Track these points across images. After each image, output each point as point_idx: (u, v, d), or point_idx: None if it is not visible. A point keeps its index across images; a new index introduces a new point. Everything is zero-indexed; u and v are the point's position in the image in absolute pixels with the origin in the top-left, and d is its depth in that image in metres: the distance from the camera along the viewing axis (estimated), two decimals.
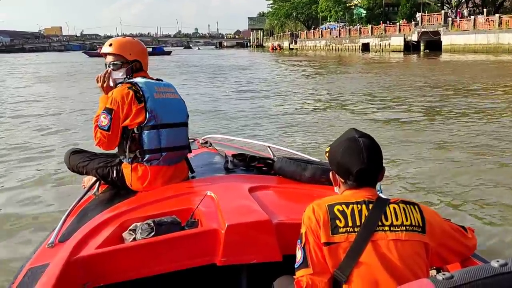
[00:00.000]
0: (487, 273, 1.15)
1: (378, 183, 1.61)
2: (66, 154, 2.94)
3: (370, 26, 53.34)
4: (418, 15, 46.77)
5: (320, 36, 65.38)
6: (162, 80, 2.76)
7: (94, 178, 2.80)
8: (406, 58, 37.46)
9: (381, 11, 58.82)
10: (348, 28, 58.84)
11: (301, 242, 1.50)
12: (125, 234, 2.00)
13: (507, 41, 35.28)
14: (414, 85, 16.16)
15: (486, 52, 36.00)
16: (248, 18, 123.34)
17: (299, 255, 1.50)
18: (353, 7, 63.60)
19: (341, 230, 1.45)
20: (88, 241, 1.93)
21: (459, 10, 43.07)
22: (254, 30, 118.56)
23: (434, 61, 31.98)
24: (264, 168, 2.90)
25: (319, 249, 1.47)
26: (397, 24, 49.08)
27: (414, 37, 45.54)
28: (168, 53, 69.97)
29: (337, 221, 1.46)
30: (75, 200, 2.57)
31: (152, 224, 1.96)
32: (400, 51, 46.26)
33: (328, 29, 63.79)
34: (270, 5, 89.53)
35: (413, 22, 46.67)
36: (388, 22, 53.04)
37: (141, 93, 2.53)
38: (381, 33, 50.90)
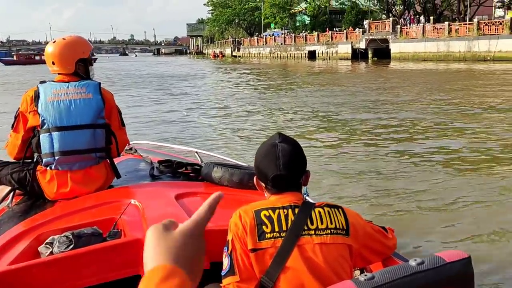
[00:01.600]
0: (405, 272, 1.25)
1: (304, 187, 1.63)
2: None
3: (316, 33, 52.19)
4: (366, 22, 46.06)
5: (265, 43, 63.69)
6: (81, 80, 2.64)
7: (7, 189, 2.64)
8: (354, 66, 36.41)
9: (326, 18, 57.98)
10: (293, 35, 57.50)
11: (227, 249, 1.49)
12: (41, 248, 1.89)
13: (457, 49, 34.94)
14: (360, 97, 14.83)
15: (436, 60, 35.55)
16: (187, 24, 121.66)
17: (225, 262, 1.49)
18: (297, 14, 62.39)
19: (267, 235, 1.46)
20: (0, 256, 1.82)
21: (412, 16, 42.59)
22: (193, 37, 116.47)
23: (383, 70, 31.02)
24: (191, 174, 2.83)
25: (246, 256, 1.46)
26: (344, 31, 48.08)
27: (362, 45, 44.72)
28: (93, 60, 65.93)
29: (264, 227, 1.46)
30: None
31: (70, 236, 1.87)
32: (348, 59, 45.35)
33: (273, 36, 62.22)
34: (211, 11, 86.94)
35: (360, 30, 45.85)
36: (333, 29, 52.13)
37: (38, 97, 2.52)
38: (328, 41, 49.86)
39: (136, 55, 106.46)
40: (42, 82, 2.62)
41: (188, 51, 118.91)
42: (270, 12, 60.17)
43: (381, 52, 42.88)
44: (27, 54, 70.18)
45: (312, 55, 51.67)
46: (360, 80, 23.32)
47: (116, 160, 2.78)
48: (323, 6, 56.24)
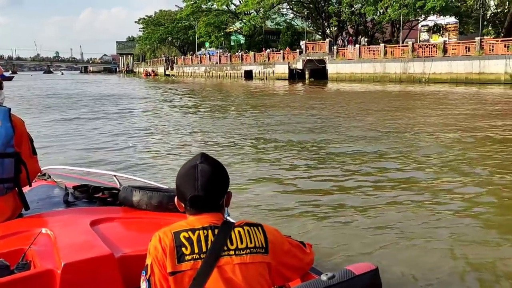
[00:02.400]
0: (317, 286, 1.31)
1: (226, 208, 1.62)
2: None
3: (252, 53, 51.61)
4: (302, 43, 46.10)
5: (199, 62, 62.29)
6: None
7: None
8: (292, 87, 35.96)
9: (262, 38, 57.72)
10: (229, 54, 56.61)
11: (146, 274, 1.48)
12: None
13: (393, 70, 35.51)
14: (297, 118, 14.19)
15: (373, 81, 35.92)
16: (117, 42, 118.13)
17: (143, 287, 1.48)
18: (232, 33, 61.71)
19: (187, 257, 1.45)
20: None
21: (350, 38, 43.05)
22: (123, 55, 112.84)
23: (320, 90, 30.86)
24: (108, 199, 2.71)
25: (165, 280, 1.45)
26: (281, 51, 47.83)
27: (299, 65, 44.61)
28: (9, 78, 60.22)
29: (183, 249, 1.46)
30: None
31: None
32: (285, 79, 45.03)
33: (208, 55, 61.01)
34: (142, 29, 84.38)
35: (297, 50, 45.77)
36: (269, 49, 51.85)
37: None
38: (265, 61, 49.43)
39: (62, 73, 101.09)
40: None
41: (118, 69, 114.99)
42: (205, 31, 58.92)
43: (318, 73, 42.97)
44: None
45: (248, 75, 50.99)
46: (297, 101, 22.83)
47: (27, 188, 2.57)
48: (258, 26, 55.91)
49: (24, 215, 2.47)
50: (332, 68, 40.93)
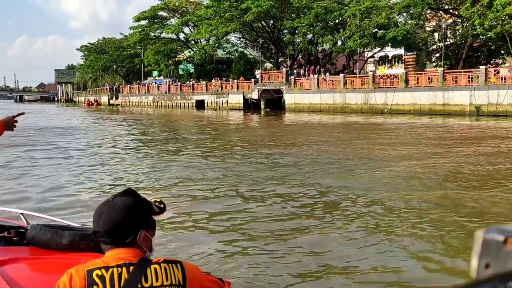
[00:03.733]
0: None
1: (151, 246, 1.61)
2: None
3: (204, 82, 49.62)
4: (258, 72, 44.73)
5: (147, 91, 59.44)
6: None
7: None
8: (247, 118, 34.00)
9: (212, 67, 55.92)
10: (179, 83, 54.28)
11: None
12: None
13: (354, 101, 34.64)
14: (254, 152, 12.44)
15: (333, 111, 34.87)
16: (55, 70, 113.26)
17: None
18: (181, 62, 59.53)
19: None
20: None
21: (311, 68, 42.03)
22: (62, 84, 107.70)
23: (278, 121, 29.21)
24: (14, 239, 2.54)
25: None
26: (235, 81, 46.19)
27: (254, 95, 43.09)
28: None
29: (95, 287, 1.44)
30: None
31: None
32: (239, 109, 43.30)
33: (156, 84, 58.35)
34: (84, 57, 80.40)
35: (252, 80, 44.30)
36: (220, 78, 50.12)
37: None
38: (217, 90, 47.59)
39: None
40: None
41: (56, 98, 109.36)
42: (154, 59, 56.33)
43: (274, 103, 41.63)
44: None
45: (200, 105, 48.92)
46: (254, 132, 21.03)
47: None
48: (209, 55, 54.20)
49: None
50: (289, 99, 39.67)
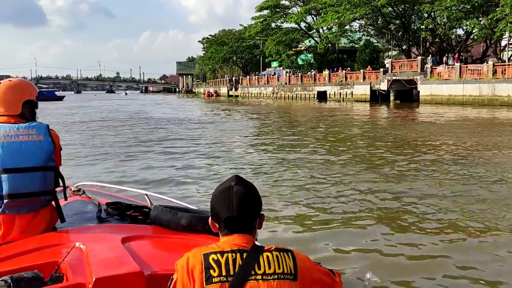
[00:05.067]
0: None
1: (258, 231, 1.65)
2: None
3: (327, 72, 47.42)
4: (387, 61, 41.49)
5: (267, 82, 58.78)
6: (30, 122, 2.52)
7: None
8: (376, 110, 31.03)
9: (335, 57, 53.46)
10: (300, 74, 52.68)
11: (168, 287, 1.53)
12: None
13: (506, 92, 30.15)
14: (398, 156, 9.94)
15: (478, 104, 30.73)
16: (177, 62, 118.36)
17: None
18: (303, 51, 57.85)
19: (214, 279, 1.46)
20: None
21: (456, 56, 38.02)
22: (183, 75, 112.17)
23: (415, 116, 25.89)
24: (139, 217, 2.74)
25: None
26: (361, 71, 43.37)
27: (383, 86, 39.98)
28: (60, 98, 57.25)
29: (211, 271, 1.47)
30: None
31: (9, 281, 1.78)
32: (365, 101, 40.51)
33: (276, 75, 57.41)
34: (205, 49, 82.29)
35: (381, 69, 41.18)
36: (343, 68, 47.55)
37: None
38: (341, 81, 45.14)
39: (126, 93, 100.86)
40: None
41: (177, 89, 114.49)
42: (275, 49, 55.33)
43: (405, 94, 38.26)
44: None
45: (322, 96, 46.90)
46: (385, 130, 17.86)
47: (62, 202, 2.70)
48: (331, 44, 51.79)
49: (58, 228, 2.53)
50: (424, 89, 35.98)
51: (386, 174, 8.31)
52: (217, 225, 1.58)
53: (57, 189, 2.60)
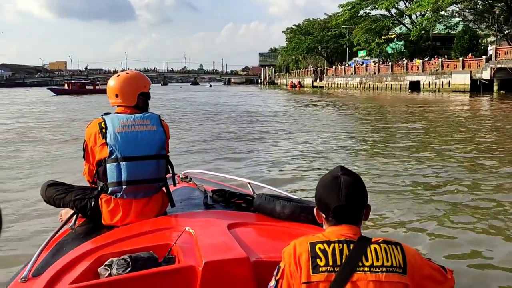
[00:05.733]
0: None
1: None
2: (43, 186, 2.85)
3: (420, 61, 44.74)
4: (491, 48, 38.18)
5: (354, 72, 56.84)
6: (144, 112, 2.70)
7: (71, 211, 2.75)
8: (478, 104, 28.10)
9: (428, 45, 50.33)
10: (390, 63, 50.23)
11: (276, 275, 1.53)
12: (100, 269, 1.95)
13: None
14: None
15: None
16: (259, 54, 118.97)
17: (271, 284, 1.53)
18: (393, 39, 55.14)
19: (321, 269, 1.45)
20: (62, 276, 1.91)
21: None
22: (265, 67, 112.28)
23: None
24: (243, 205, 2.83)
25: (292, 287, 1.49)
26: (461, 58, 40.34)
27: (486, 75, 36.84)
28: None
29: (318, 260, 1.46)
30: (51, 233, 2.51)
31: (128, 260, 1.92)
32: (464, 91, 37.54)
33: (364, 65, 55.28)
34: (288, 39, 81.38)
35: (483, 57, 37.99)
36: (439, 57, 44.54)
37: (105, 128, 2.56)
38: (437, 70, 42.32)
39: (210, 85, 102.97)
40: (106, 113, 2.66)
41: (259, 80, 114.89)
42: (364, 38, 53.20)
43: (511, 84, 34.90)
44: (79, 83, 61.37)
45: (414, 86, 44.29)
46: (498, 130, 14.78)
47: (171, 188, 2.79)
48: (424, 31, 48.74)
49: (169, 212, 2.69)
50: None
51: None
52: (324, 215, 1.56)
53: (167, 175, 2.71)
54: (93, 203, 2.60)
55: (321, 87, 63.60)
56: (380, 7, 50.79)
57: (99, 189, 2.60)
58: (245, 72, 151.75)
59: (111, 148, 2.52)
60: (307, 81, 70.80)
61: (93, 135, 2.57)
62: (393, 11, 53.30)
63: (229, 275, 1.85)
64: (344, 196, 1.50)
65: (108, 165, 2.53)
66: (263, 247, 2.11)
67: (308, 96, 43.73)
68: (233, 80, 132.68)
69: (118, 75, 2.78)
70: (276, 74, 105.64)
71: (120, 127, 2.55)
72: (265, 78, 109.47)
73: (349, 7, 55.09)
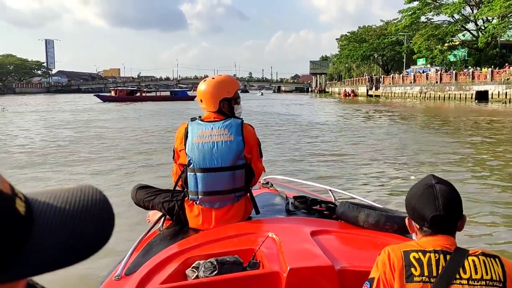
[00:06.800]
0: None
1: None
2: (133, 189, 2.94)
3: (489, 69, 41.72)
4: None
5: (413, 81, 54.08)
6: (226, 118, 2.67)
7: (159, 213, 2.82)
8: None
9: (496, 52, 47.04)
10: (453, 72, 47.28)
11: (370, 286, 1.46)
12: (188, 271, 1.99)
13: None
14: None
15: None
16: (310, 62, 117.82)
17: None
18: (457, 46, 52.04)
19: (416, 279, 1.40)
20: (153, 276, 1.95)
21: None
22: (316, 75, 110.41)
23: None
24: (325, 212, 2.80)
25: None
26: None
27: None
28: (192, 98, 51.88)
29: (412, 269, 1.41)
30: (141, 234, 2.56)
31: (215, 263, 1.95)
32: None
33: (424, 73, 52.46)
34: (343, 47, 79.17)
35: None
36: (509, 65, 41.35)
37: (185, 137, 2.62)
38: (508, 79, 39.22)
39: (262, 93, 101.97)
40: (193, 119, 2.71)
41: (310, 89, 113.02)
42: (425, 45, 50.40)
43: None
44: (126, 90, 60.23)
45: (482, 97, 41.23)
46: None
47: (254, 192, 2.80)
48: (491, 38, 45.56)
49: (252, 218, 2.70)
50: None
51: None
52: (418, 225, 1.50)
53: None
54: (178, 205, 2.66)
55: (377, 96, 61.03)
56: (445, 12, 47.94)
57: (183, 193, 2.66)
58: (295, 80, 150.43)
59: (189, 158, 2.58)
60: (362, 89, 68.33)
61: (179, 139, 2.65)
62: (457, 16, 50.30)
63: (313, 282, 1.82)
64: (441, 205, 1.44)
65: (188, 174, 2.60)
66: (348, 255, 2.07)
67: (366, 105, 41.59)
68: (283, 88, 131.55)
69: (205, 80, 2.79)
70: (327, 82, 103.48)
71: (198, 137, 2.58)
72: (316, 86, 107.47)
73: (410, 12, 52.46)
